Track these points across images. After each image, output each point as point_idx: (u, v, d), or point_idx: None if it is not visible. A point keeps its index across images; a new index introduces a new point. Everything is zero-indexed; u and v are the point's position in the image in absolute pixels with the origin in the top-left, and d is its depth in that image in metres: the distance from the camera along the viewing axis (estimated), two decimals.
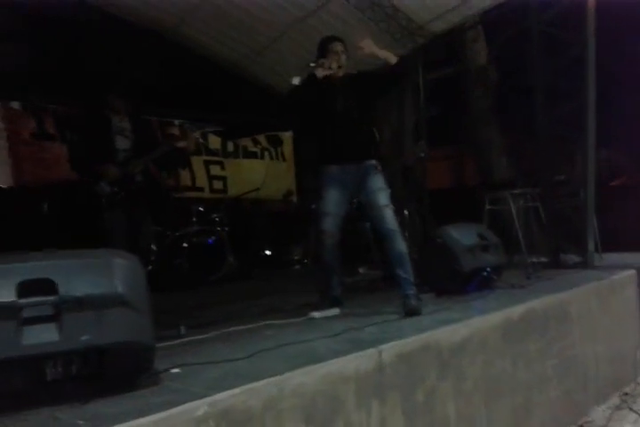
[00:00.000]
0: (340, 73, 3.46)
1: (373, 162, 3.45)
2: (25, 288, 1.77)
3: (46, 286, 1.80)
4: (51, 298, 1.79)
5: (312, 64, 3.38)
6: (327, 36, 3.61)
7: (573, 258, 4.85)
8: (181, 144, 4.03)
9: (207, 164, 7.51)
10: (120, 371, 1.89)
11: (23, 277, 1.78)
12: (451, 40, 7.54)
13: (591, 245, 4.76)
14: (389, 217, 3.32)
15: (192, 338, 2.73)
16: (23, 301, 1.76)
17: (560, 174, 5.13)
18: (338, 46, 3.47)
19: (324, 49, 3.48)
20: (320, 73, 3.33)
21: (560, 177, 5.08)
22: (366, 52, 3.38)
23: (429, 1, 6.17)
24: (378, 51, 3.40)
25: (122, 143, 3.88)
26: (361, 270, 5.64)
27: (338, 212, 3.46)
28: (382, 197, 3.36)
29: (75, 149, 4.14)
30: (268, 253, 7.21)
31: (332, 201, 3.45)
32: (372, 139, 3.65)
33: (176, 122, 7.21)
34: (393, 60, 3.41)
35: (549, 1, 5.23)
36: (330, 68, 3.35)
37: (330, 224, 3.45)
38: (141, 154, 3.89)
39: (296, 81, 3.33)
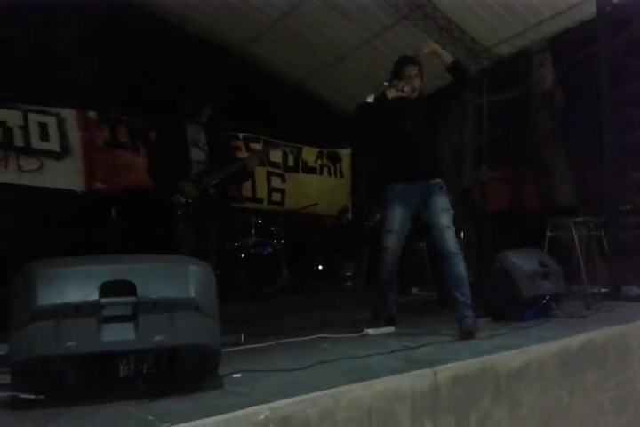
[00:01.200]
0: (413, 96, 3.50)
1: (439, 181, 3.47)
2: (107, 288, 1.89)
3: (126, 288, 1.92)
4: (130, 299, 1.91)
5: (385, 83, 3.43)
6: (404, 56, 3.64)
7: (635, 290, 4.70)
8: (254, 164, 4.14)
9: (269, 175, 7.68)
10: (188, 372, 1.99)
11: (106, 278, 1.91)
12: (517, 63, 7.51)
13: None
14: (451, 239, 3.32)
15: (251, 346, 2.82)
16: (105, 300, 1.88)
17: (625, 204, 5.00)
18: (413, 70, 3.51)
19: (399, 70, 3.53)
20: (392, 94, 3.38)
21: (625, 207, 4.95)
22: (426, 51, 3.45)
23: (496, 24, 6.19)
24: (439, 49, 3.50)
25: (197, 155, 3.87)
26: (414, 291, 5.63)
27: (401, 229, 3.51)
28: (445, 218, 3.36)
29: (154, 157, 4.05)
30: (320, 267, 7.28)
31: (397, 219, 3.49)
32: (438, 159, 3.69)
33: (240, 135, 7.41)
34: (450, 59, 3.50)
35: (619, 29, 5.16)
36: (403, 90, 3.39)
37: (393, 242, 3.49)
38: (216, 168, 3.87)
39: (370, 99, 3.39)
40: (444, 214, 3.37)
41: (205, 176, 3.83)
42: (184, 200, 3.73)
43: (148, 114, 6.25)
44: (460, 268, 3.29)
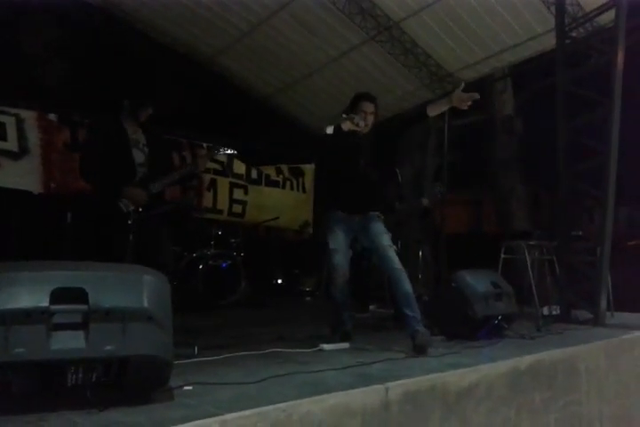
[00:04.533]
0: (365, 131, 3.58)
1: (377, 213, 3.63)
2: (58, 295, 1.85)
3: (78, 295, 1.88)
4: (81, 307, 1.87)
5: (344, 115, 3.53)
6: (363, 93, 3.74)
7: (585, 314, 4.84)
8: (202, 168, 3.90)
9: (232, 186, 7.65)
10: (138, 383, 1.95)
11: (57, 284, 1.87)
12: (479, 89, 7.72)
13: (603, 303, 4.75)
14: (394, 256, 3.43)
15: (204, 359, 2.79)
16: (55, 307, 1.84)
17: (578, 230, 5.17)
18: (369, 107, 3.62)
19: (355, 105, 3.63)
20: (346, 126, 3.46)
21: (577, 232, 5.12)
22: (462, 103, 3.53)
23: (460, 50, 6.39)
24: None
25: (137, 156, 3.55)
26: (372, 308, 5.66)
27: (346, 249, 3.63)
28: (385, 239, 3.50)
29: (89, 157, 3.58)
30: (280, 281, 7.27)
31: (340, 240, 3.61)
32: (381, 195, 3.82)
33: (204, 145, 7.38)
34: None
35: (577, 61, 5.38)
36: (357, 124, 3.48)
37: (340, 260, 3.59)
38: (160, 174, 3.59)
39: (329, 130, 3.47)
40: (384, 236, 3.52)
41: (151, 183, 3.53)
42: (132, 208, 3.43)
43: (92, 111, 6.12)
44: (407, 284, 3.38)
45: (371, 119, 3.60)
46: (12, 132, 5.83)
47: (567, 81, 5.15)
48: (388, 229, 3.61)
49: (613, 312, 5.07)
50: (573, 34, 5.38)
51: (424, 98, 7.26)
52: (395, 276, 3.40)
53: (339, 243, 3.59)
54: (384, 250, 3.46)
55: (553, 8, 5.40)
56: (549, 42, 5.61)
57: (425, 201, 5.14)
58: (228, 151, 4.04)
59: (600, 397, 3.62)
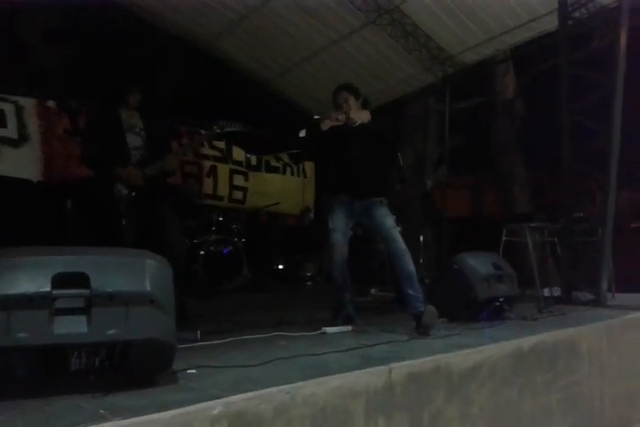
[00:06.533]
0: (355, 117, 3.53)
1: (381, 198, 3.62)
2: (60, 280, 1.84)
3: (80, 280, 1.87)
4: (83, 291, 1.87)
5: (315, 117, 3.57)
6: (337, 86, 3.72)
7: (586, 295, 4.86)
8: (190, 153, 3.88)
9: (232, 173, 7.64)
10: (141, 367, 1.95)
11: (59, 269, 1.86)
12: (480, 71, 7.66)
13: (605, 284, 4.76)
14: (398, 237, 3.46)
15: (207, 343, 2.80)
16: (57, 292, 1.83)
17: (579, 211, 5.16)
18: (342, 96, 3.61)
19: (333, 102, 3.65)
20: (326, 126, 3.48)
21: (579, 214, 5.11)
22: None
23: (462, 32, 6.32)
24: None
25: (134, 141, 3.61)
26: (373, 291, 5.68)
27: (345, 229, 3.65)
28: (390, 221, 3.54)
29: (87, 144, 3.71)
30: (281, 267, 7.28)
31: (339, 219, 3.64)
32: (382, 181, 3.80)
33: (202, 132, 7.34)
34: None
35: (580, 42, 5.33)
36: (337, 119, 3.49)
37: (338, 239, 3.62)
38: (156, 158, 3.62)
39: (302, 133, 3.46)
40: (387, 218, 3.54)
41: (147, 167, 3.56)
42: (126, 192, 3.47)
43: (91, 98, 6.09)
44: (410, 264, 3.41)
45: (350, 105, 3.59)
46: (11, 119, 5.81)
47: (570, 62, 5.10)
48: (391, 213, 3.61)
49: (615, 294, 5.08)
50: (576, 15, 5.31)
51: (425, 81, 7.22)
52: (398, 255, 3.43)
53: (337, 223, 3.63)
54: (388, 231, 3.49)
55: None
56: (551, 23, 5.55)
57: (429, 183, 5.14)
58: (228, 129, 3.93)
59: (602, 377, 3.64)
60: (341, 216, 3.64)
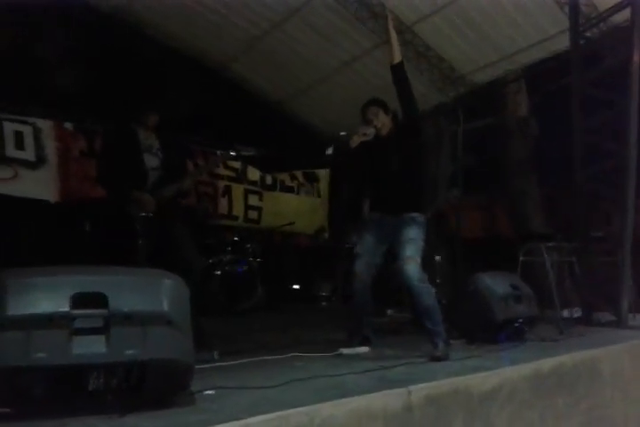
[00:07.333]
0: (383, 133, 3.53)
1: (414, 214, 3.45)
2: (78, 300, 1.86)
3: (98, 300, 1.88)
4: (102, 311, 1.87)
5: (342, 133, 3.54)
6: (366, 102, 3.66)
7: (606, 316, 4.78)
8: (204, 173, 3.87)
9: (247, 192, 7.67)
10: (159, 387, 1.94)
11: (77, 289, 1.87)
12: (492, 91, 7.68)
13: (626, 305, 4.68)
14: (412, 270, 3.25)
15: (224, 363, 2.79)
16: (76, 312, 1.84)
17: (597, 230, 5.10)
18: (372, 111, 3.56)
19: (363, 116, 3.58)
20: (354, 143, 3.42)
21: (597, 233, 5.05)
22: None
23: (473, 53, 6.36)
24: (395, 40, 3.53)
25: (151, 161, 3.60)
26: (389, 312, 5.63)
27: (371, 256, 3.51)
28: (408, 249, 3.31)
29: (105, 163, 3.69)
30: (296, 287, 7.26)
31: (367, 245, 3.53)
32: (416, 193, 3.62)
33: (218, 152, 7.39)
34: (397, 59, 3.52)
35: (592, 60, 5.34)
36: (365, 134, 3.44)
37: (360, 266, 3.50)
38: (172, 180, 3.62)
39: (329, 151, 3.45)
40: (409, 245, 3.32)
41: (162, 189, 3.57)
42: (142, 213, 3.46)
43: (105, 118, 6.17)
44: (427, 298, 3.25)
45: (380, 120, 3.53)
46: (29, 141, 5.89)
47: (583, 81, 5.11)
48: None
49: (635, 314, 4.99)
50: (588, 34, 5.34)
51: (436, 101, 7.24)
52: (413, 291, 3.27)
53: (364, 248, 3.52)
54: (403, 261, 3.29)
55: (566, 8, 5.35)
56: (563, 42, 5.56)
57: (442, 203, 5.08)
58: (244, 153, 3.96)
59: (625, 400, 3.56)
60: (369, 240, 3.52)
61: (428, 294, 3.27)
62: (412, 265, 3.25)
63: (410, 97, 3.57)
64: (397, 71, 3.56)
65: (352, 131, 3.46)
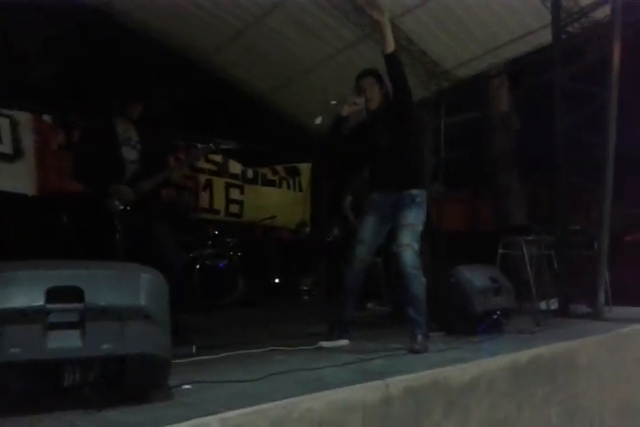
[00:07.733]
0: (373, 105, 3.50)
1: (413, 192, 3.39)
2: (54, 294, 1.82)
3: (74, 294, 1.85)
4: (77, 305, 1.85)
5: (333, 102, 3.45)
6: (360, 72, 3.62)
7: (583, 308, 4.84)
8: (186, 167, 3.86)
9: (228, 186, 7.63)
10: (136, 382, 1.93)
11: (53, 283, 1.84)
12: (475, 85, 7.71)
13: (602, 297, 4.75)
14: (409, 257, 3.22)
15: (203, 358, 2.77)
16: (51, 306, 1.81)
17: (575, 224, 5.16)
18: (366, 81, 3.52)
19: (356, 86, 3.55)
20: (345, 111, 3.39)
21: (575, 227, 5.11)
22: (375, 17, 3.25)
23: (456, 47, 6.37)
24: (387, 29, 3.32)
25: (129, 154, 3.54)
26: (369, 305, 5.65)
27: (372, 240, 3.52)
28: (406, 236, 3.26)
29: (80, 157, 3.62)
30: (277, 281, 7.25)
31: (368, 228, 3.52)
32: (412, 166, 3.55)
33: (199, 145, 7.34)
34: (390, 48, 3.36)
35: (573, 56, 5.38)
36: (355, 103, 3.40)
37: (362, 251, 3.51)
38: (151, 173, 3.56)
39: (318, 121, 3.40)
40: (406, 231, 3.27)
41: (141, 181, 3.51)
42: (121, 207, 3.43)
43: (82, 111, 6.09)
44: (417, 287, 3.25)
45: (373, 91, 3.48)
46: (6, 134, 5.80)
47: (564, 76, 5.15)
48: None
49: (611, 307, 5.06)
50: (569, 29, 5.37)
51: (420, 95, 7.25)
52: (405, 277, 3.24)
53: (366, 233, 3.51)
54: (399, 248, 3.25)
55: (548, 3, 5.38)
56: (545, 37, 5.60)
57: (437, 188, 5.06)
58: (223, 147, 3.94)
59: (601, 390, 3.62)
60: (371, 222, 3.50)
61: (418, 282, 3.26)
62: (408, 252, 3.24)
63: (405, 86, 3.48)
64: (392, 60, 3.44)
65: (342, 100, 3.41)
